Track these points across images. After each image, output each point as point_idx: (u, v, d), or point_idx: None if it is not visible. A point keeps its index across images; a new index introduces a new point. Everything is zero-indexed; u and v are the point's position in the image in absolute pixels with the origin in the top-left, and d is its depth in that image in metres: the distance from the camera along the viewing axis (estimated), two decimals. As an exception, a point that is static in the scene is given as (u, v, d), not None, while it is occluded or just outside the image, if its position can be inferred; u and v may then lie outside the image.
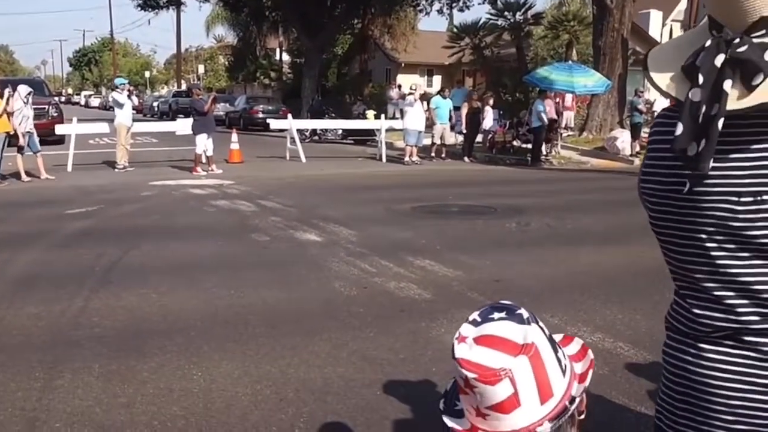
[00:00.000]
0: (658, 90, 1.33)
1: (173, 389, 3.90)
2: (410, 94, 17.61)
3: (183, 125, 16.83)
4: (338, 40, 39.11)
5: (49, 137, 15.96)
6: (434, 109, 17.72)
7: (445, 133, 18.01)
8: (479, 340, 1.24)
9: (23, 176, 12.93)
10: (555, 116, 17.21)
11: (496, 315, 1.28)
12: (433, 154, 18.10)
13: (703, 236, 1.30)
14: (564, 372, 1.27)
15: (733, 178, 1.24)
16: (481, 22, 28.39)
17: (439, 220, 9.41)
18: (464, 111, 18.24)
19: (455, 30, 30.31)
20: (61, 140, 17.11)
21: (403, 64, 39.17)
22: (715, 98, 1.20)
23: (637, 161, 16.72)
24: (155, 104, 47.34)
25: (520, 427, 1.22)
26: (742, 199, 1.23)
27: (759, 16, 1.19)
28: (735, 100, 1.19)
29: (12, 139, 12.79)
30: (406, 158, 17.17)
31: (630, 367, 4.16)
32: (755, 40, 1.18)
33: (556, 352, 1.27)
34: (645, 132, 18.67)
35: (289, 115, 19.39)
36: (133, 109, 15.58)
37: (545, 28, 28.28)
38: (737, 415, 1.30)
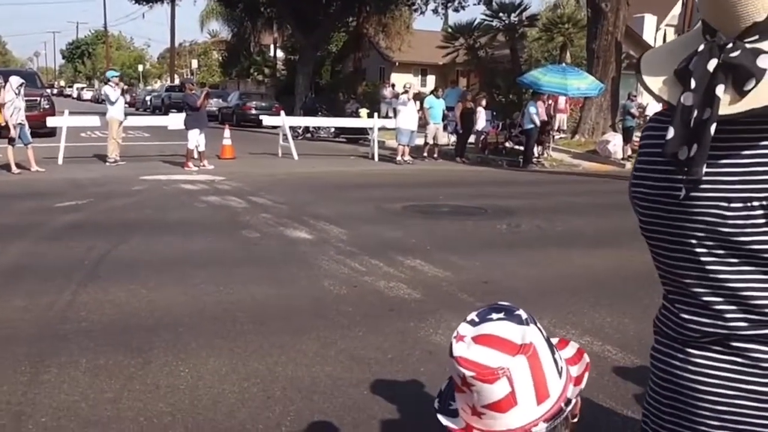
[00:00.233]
0: (651, 93, 1.33)
1: (160, 385, 3.88)
2: (404, 93, 17.61)
3: (175, 120, 16.75)
4: (333, 37, 39.04)
5: (40, 129, 15.84)
6: (428, 109, 17.71)
7: (438, 133, 18.01)
8: (478, 339, 1.24)
9: (13, 168, 12.85)
10: (545, 118, 17.23)
11: (494, 315, 1.29)
12: (425, 154, 18.10)
13: (693, 241, 1.30)
14: (560, 374, 1.27)
15: (723, 184, 1.25)
16: (476, 22, 28.42)
17: (430, 220, 9.41)
18: (458, 111, 18.24)
19: (450, 30, 30.34)
20: (52, 132, 17.01)
21: (397, 63, 39.21)
22: (708, 103, 1.20)
23: (629, 165, 16.76)
24: (148, 98, 47.17)
25: (516, 427, 1.22)
26: (732, 205, 1.23)
27: (752, 21, 1.19)
28: (726, 105, 1.19)
29: (3, 131, 12.72)
30: (398, 157, 17.16)
31: (618, 371, 4.17)
32: (748, 45, 1.19)
33: (553, 353, 1.27)
34: (637, 136, 18.69)
35: (282, 112, 19.33)
36: (126, 102, 15.50)
37: (540, 30, 28.36)
38: (723, 421, 1.30)
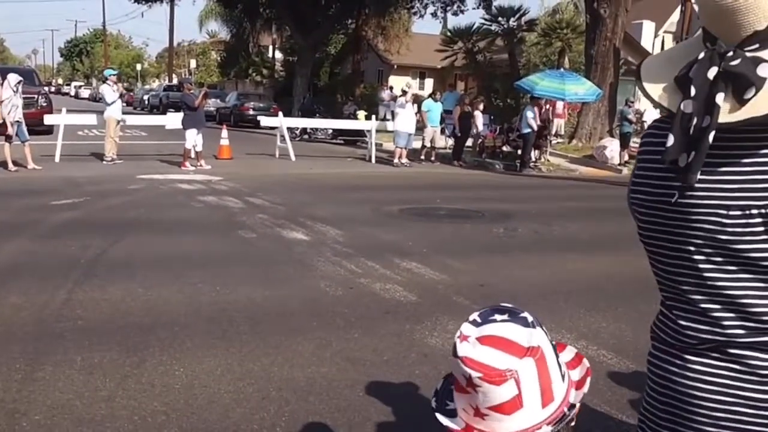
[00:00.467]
0: (650, 100, 1.34)
1: (155, 384, 3.88)
2: (402, 95, 17.61)
3: (173, 119, 16.75)
4: (331, 39, 39.10)
5: (37, 127, 15.81)
6: (425, 112, 17.74)
7: (435, 136, 18.04)
8: (483, 340, 1.24)
9: (10, 165, 12.83)
10: (540, 123, 17.24)
11: (498, 317, 1.28)
12: (422, 157, 18.12)
13: (692, 248, 1.30)
14: (563, 377, 1.27)
15: (722, 192, 1.25)
16: (474, 26, 28.50)
17: (427, 222, 9.42)
18: (456, 114, 18.26)
19: (449, 33, 30.42)
20: (49, 130, 16.96)
21: (395, 66, 39.21)
22: (707, 110, 1.20)
23: (626, 170, 16.80)
24: (146, 97, 47.12)
25: (520, 429, 1.22)
26: (731, 213, 1.24)
27: (753, 30, 1.20)
28: (726, 113, 1.20)
29: (0, 128, 12.69)
30: (396, 160, 17.17)
31: (613, 376, 4.18)
32: (748, 54, 1.19)
33: (556, 357, 1.28)
34: (634, 142, 18.77)
35: (280, 113, 19.33)
36: (123, 102, 15.47)
37: (538, 35, 28.39)
38: (720, 427, 1.31)
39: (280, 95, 36.29)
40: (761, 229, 1.21)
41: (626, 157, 17.81)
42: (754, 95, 1.17)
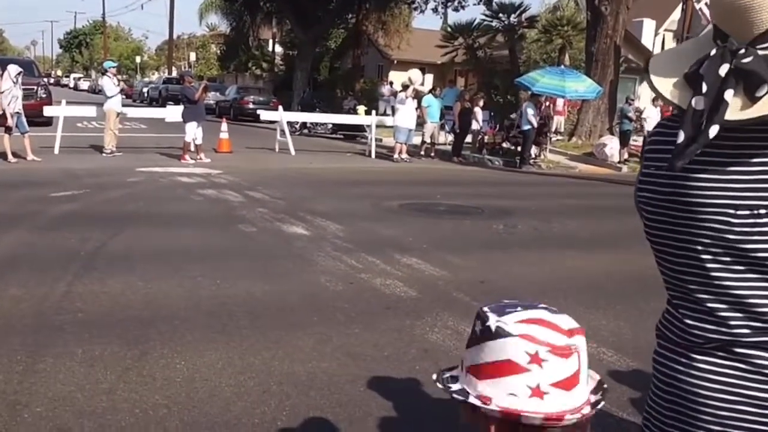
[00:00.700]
0: (660, 96, 1.33)
1: (156, 377, 3.88)
2: (402, 90, 17.58)
3: (173, 112, 16.73)
4: (332, 34, 38.99)
5: (37, 118, 15.79)
6: (426, 108, 17.72)
7: (435, 132, 18.02)
8: (530, 321, 1.22)
9: (9, 157, 12.81)
10: (540, 119, 17.21)
11: (518, 307, 1.26)
12: (422, 153, 18.11)
13: (699, 248, 1.30)
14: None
15: (730, 191, 1.25)
16: (475, 22, 28.40)
17: (427, 218, 9.41)
18: (456, 110, 18.25)
19: (449, 29, 30.32)
20: (48, 122, 16.94)
21: (395, 61, 39.10)
22: (718, 107, 1.20)
23: (625, 168, 16.82)
24: (145, 90, 47.05)
25: (574, 407, 1.21)
26: (739, 212, 1.23)
27: (765, 28, 1.19)
28: (738, 111, 1.19)
29: (0, 119, 12.67)
30: (396, 155, 17.16)
31: (613, 374, 4.18)
32: (760, 52, 1.19)
33: None
34: (634, 140, 18.80)
35: (280, 107, 19.33)
36: (122, 94, 15.45)
37: (539, 31, 28.32)
38: (726, 426, 1.31)
39: (279, 89, 36.22)
40: (770, 228, 1.21)
41: (626, 155, 17.82)
42: (766, 93, 1.17)
